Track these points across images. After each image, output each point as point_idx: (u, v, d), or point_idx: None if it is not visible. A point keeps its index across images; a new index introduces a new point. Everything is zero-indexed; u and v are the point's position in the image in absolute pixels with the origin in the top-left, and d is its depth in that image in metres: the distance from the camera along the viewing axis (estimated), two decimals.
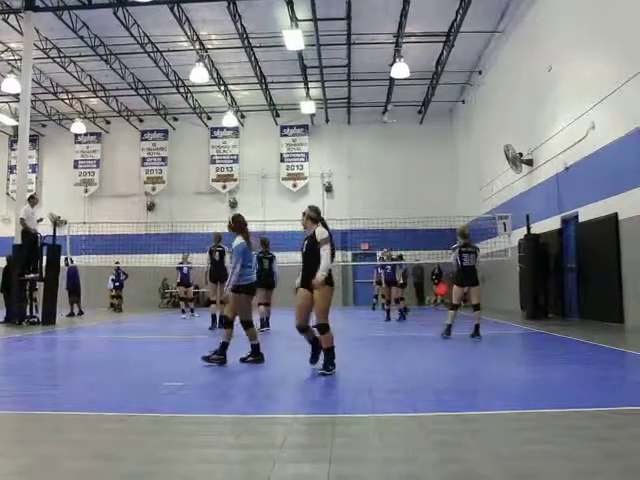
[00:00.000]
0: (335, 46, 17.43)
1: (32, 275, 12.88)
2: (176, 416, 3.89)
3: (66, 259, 16.54)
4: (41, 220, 13.57)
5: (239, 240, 6.31)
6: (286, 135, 24.49)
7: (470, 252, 8.94)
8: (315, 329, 5.59)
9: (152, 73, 19.68)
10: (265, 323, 10.63)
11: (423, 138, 23.63)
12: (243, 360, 6.22)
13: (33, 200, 13.37)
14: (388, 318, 13.19)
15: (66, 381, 5.58)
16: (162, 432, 3.48)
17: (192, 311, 15.80)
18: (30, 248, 12.82)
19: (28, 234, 12.78)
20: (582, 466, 2.73)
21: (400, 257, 15.24)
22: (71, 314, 16.28)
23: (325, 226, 5.65)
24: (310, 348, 5.80)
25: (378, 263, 15.42)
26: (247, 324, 6.29)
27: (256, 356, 6.25)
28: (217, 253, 11.40)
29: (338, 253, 21.26)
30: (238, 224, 6.50)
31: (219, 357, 6.04)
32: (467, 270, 8.88)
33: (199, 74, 17.42)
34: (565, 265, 12.94)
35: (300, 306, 5.59)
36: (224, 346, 6.10)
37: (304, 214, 5.79)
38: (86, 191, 24.94)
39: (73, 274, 17.00)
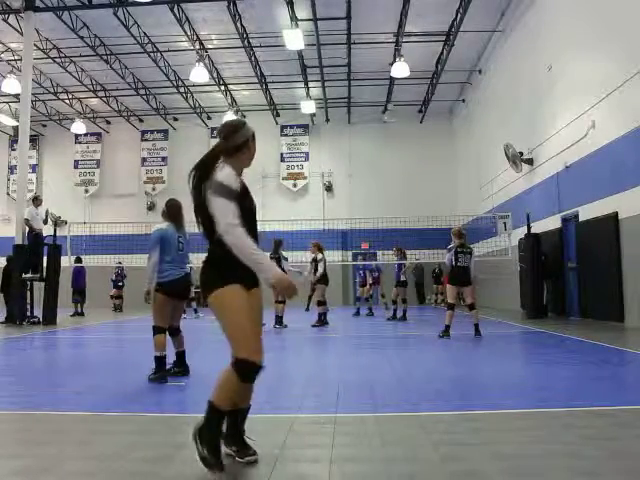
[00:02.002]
0: (335, 46, 17.42)
1: (31, 275, 12.88)
2: (177, 416, 3.88)
3: (77, 258, 16.65)
4: (46, 221, 13.57)
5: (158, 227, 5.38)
6: (286, 135, 24.47)
7: (466, 253, 9.01)
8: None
9: (152, 73, 19.68)
10: (279, 320, 11.43)
11: (423, 137, 23.62)
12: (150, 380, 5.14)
13: (37, 201, 13.40)
14: (394, 317, 13.31)
15: (66, 381, 5.56)
16: (162, 432, 3.47)
17: (195, 311, 15.73)
18: (34, 249, 12.82)
19: (32, 234, 12.81)
20: (585, 465, 2.71)
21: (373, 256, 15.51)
22: (75, 314, 16.40)
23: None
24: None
25: (372, 263, 15.56)
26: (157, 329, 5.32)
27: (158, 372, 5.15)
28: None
29: (338, 253, 21.32)
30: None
31: (161, 374, 5.15)
32: (460, 270, 8.96)
33: (199, 74, 17.43)
34: (565, 264, 12.92)
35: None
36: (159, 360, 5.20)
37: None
38: (86, 191, 24.95)
39: (78, 274, 17.00)
